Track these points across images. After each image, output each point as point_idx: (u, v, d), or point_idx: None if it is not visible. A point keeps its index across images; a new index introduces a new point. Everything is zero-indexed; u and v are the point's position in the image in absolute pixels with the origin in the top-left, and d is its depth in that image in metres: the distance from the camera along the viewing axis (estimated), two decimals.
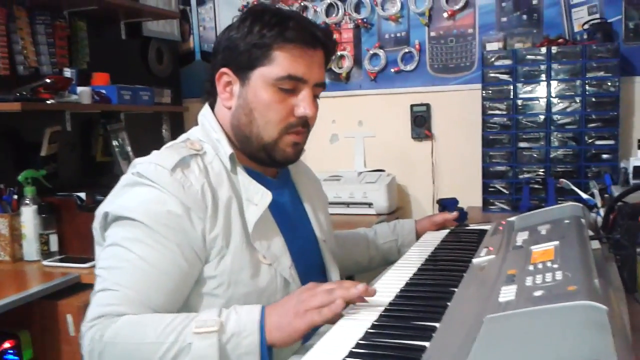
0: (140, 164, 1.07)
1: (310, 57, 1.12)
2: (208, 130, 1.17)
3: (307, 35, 1.11)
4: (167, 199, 1.02)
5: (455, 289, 0.96)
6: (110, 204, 1.07)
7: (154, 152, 1.12)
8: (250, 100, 1.12)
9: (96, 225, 1.10)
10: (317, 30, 1.14)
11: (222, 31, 1.17)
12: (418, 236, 1.54)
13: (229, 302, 1.04)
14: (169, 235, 1.01)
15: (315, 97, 1.16)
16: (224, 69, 1.14)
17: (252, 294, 1.07)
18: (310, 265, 1.22)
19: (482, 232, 1.39)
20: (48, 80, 2.21)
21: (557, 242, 1.00)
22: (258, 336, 0.90)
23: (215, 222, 1.05)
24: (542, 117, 2.46)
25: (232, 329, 0.91)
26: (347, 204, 2.68)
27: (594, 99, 2.39)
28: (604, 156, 2.40)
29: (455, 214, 1.59)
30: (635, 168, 1.86)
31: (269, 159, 1.16)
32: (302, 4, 3.02)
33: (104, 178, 2.56)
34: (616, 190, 1.67)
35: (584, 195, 1.84)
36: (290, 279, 1.12)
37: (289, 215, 1.22)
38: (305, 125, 1.15)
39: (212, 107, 1.20)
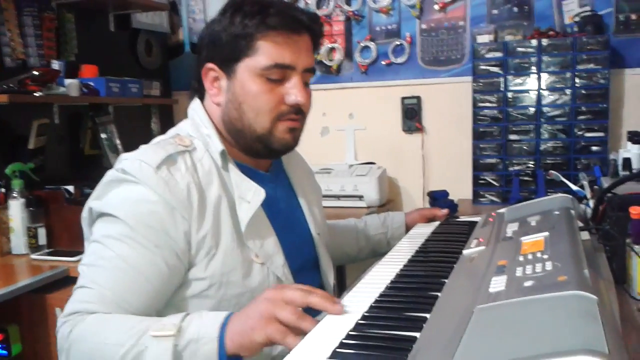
0: (125, 160, 1.04)
1: (295, 43, 1.08)
2: (198, 125, 1.13)
3: (289, 20, 1.07)
4: (151, 198, 0.99)
5: (446, 280, 0.96)
6: (95, 200, 1.04)
7: (141, 147, 1.09)
8: (238, 93, 1.08)
9: (83, 220, 1.08)
10: (301, 14, 1.09)
11: (205, 26, 1.14)
12: (407, 229, 1.54)
13: (221, 303, 1.03)
14: (150, 236, 0.98)
15: (306, 83, 1.12)
16: (209, 65, 1.10)
17: (244, 295, 1.05)
18: (303, 260, 1.20)
19: (472, 224, 1.39)
20: (35, 72, 2.19)
21: (547, 233, 1.00)
22: (217, 343, 0.85)
23: (202, 221, 1.02)
24: (532, 109, 2.46)
25: (191, 334, 0.87)
26: (338, 197, 2.68)
27: (583, 92, 2.40)
28: (594, 148, 2.41)
29: (445, 211, 1.58)
30: (625, 160, 1.87)
31: (266, 150, 1.12)
32: None
33: (92, 171, 2.54)
34: (605, 182, 1.67)
35: (574, 187, 1.84)
36: (283, 277, 1.10)
37: (282, 210, 1.20)
38: (298, 112, 1.10)
39: (202, 101, 1.17)
